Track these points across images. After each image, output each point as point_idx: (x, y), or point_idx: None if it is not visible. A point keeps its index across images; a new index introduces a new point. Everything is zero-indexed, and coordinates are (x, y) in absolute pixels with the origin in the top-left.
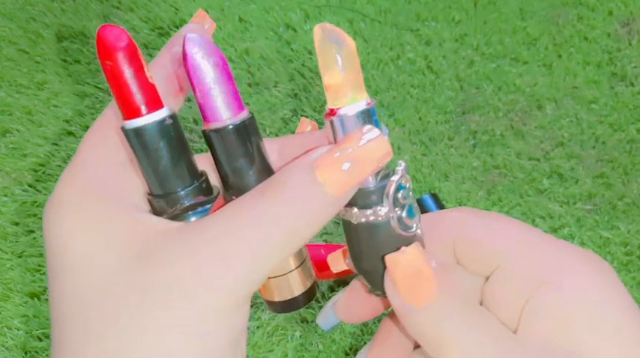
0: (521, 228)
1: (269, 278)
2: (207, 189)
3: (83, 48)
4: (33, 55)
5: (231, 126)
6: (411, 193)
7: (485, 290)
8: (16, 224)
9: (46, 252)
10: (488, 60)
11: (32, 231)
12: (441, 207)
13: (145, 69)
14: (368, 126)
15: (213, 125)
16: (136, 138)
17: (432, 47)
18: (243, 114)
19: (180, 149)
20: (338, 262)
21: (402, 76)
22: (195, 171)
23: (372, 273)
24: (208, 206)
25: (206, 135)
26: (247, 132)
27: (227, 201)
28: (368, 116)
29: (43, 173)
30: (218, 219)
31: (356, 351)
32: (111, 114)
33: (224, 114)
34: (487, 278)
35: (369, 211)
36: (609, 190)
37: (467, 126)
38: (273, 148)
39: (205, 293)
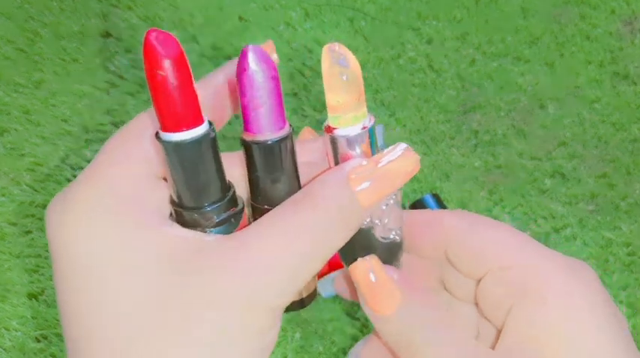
0: (509, 234)
1: None
2: (235, 201)
3: (81, 47)
4: (31, 54)
5: (273, 141)
6: (392, 203)
7: (477, 294)
8: (14, 224)
9: (60, 263)
10: (490, 59)
11: (30, 232)
12: (442, 207)
13: (193, 81)
14: (398, 144)
15: (258, 137)
16: (175, 152)
17: (434, 46)
18: (286, 130)
19: (217, 164)
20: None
21: (403, 74)
22: (226, 184)
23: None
24: (239, 217)
25: (247, 145)
26: (287, 147)
27: (255, 209)
28: (368, 136)
29: (41, 173)
30: (257, 232)
31: None
32: (141, 122)
33: (269, 128)
34: (477, 282)
35: None
36: (612, 190)
37: (468, 125)
38: None
39: (246, 308)
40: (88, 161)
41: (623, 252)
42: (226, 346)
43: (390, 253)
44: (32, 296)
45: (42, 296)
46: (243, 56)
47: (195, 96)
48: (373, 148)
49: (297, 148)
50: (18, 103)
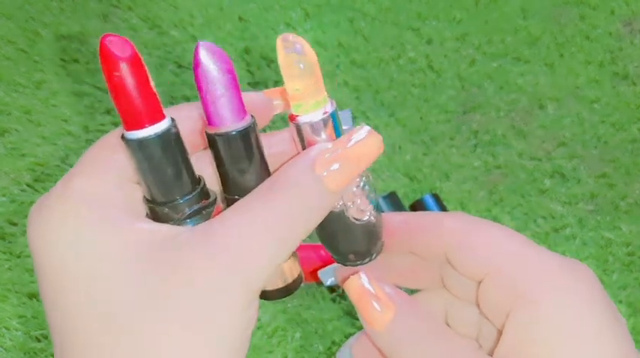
0: (507, 236)
1: None
2: (206, 193)
3: (82, 47)
4: (31, 54)
5: (235, 132)
6: (362, 184)
7: (478, 296)
8: (15, 224)
9: (38, 270)
10: (490, 59)
11: None
12: (442, 207)
13: (150, 79)
14: (361, 126)
15: (220, 129)
16: (139, 149)
17: (433, 46)
18: (247, 120)
19: (183, 157)
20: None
21: (403, 75)
22: (194, 177)
23: (350, 250)
24: (210, 209)
25: (210, 138)
26: (250, 136)
27: (228, 201)
28: (334, 118)
29: (42, 173)
30: (226, 220)
31: None
32: (116, 134)
33: (230, 120)
34: (478, 284)
35: None
36: (611, 190)
37: (468, 125)
38: None
39: (219, 293)
40: None
41: (623, 252)
42: (204, 328)
43: (369, 234)
44: (32, 296)
45: None
46: (195, 52)
47: (154, 94)
48: (338, 132)
49: (268, 139)
50: (18, 103)
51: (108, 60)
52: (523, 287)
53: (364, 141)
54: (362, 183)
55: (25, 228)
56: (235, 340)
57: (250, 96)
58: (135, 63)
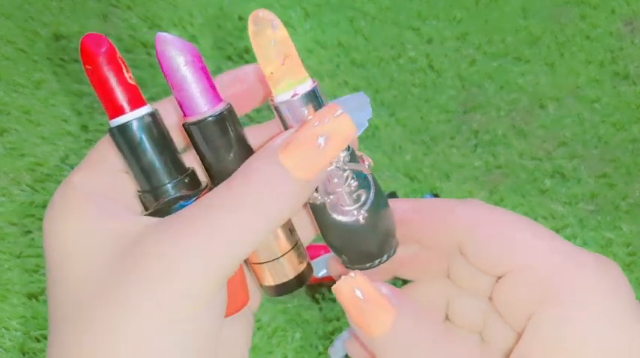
0: (532, 229)
1: (261, 263)
2: (193, 184)
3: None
4: (31, 54)
5: (209, 118)
6: (346, 177)
7: (495, 291)
8: (14, 224)
9: (47, 257)
10: (490, 59)
11: (30, 232)
12: None
13: (124, 70)
14: (329, 107)
15: (192, 118)
16: (120, 135)
17: (434, 46)
18: (221, 106)
19: (163, 144)
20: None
21: (403, 74)
22: (180, 166)
23: (339, 249)
24: (193, 199)
25: (185, 129)
26: (225, 122)
27: None
28: (313, 97)
29: (41, 173)
30: (193, 209)
31: None
32: None
33: (202, 106)
34: (497, 279)
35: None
36: (612, 190)
37: (468, 125)
38: None
39: (181, 279)
40: None
41: (624, 252)
42: (163, 321)
43: (356, 237)
44: (32, 296)
45: (42, 296)
46: (156, 48)
47: (128, 84)
48: None
49: (256, 130)
50: (18, 103)
51: (83, 54)
52: (553, 286)
53: (331, 124)
54: (345, 176)
55: (25, 227)
56: (196, 328)
57: (245, 70)
58: (108, 55)
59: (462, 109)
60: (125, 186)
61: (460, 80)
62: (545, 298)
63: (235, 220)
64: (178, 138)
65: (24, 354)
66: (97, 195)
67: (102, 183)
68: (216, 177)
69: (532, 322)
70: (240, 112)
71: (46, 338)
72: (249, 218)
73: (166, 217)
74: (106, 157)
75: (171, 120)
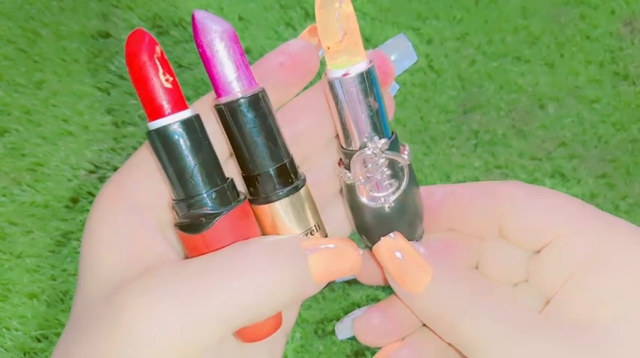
0: (576, 203)
1: None
2: (230, 194)
3: (82, 47)
4: (31, 54)
5: (241, 99)
6: (383, 169)
7: (531, 264)
8: (15, 224)
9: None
10: (490, 59)
11: (31, 232)
12: None
13: (165, 71)
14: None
15: (224, 99)
16: (157, 139)
17: (434, 46)
18: (256, 88)
19: (201, 151)
20: None
21: (403, 74)
22: (218, 175)
23: (361, 229)
24: (221, 216)
25: (219, 111)
26: (257, 105)
27: (247, 179)
28: (365, 79)
29: (42, 173)
30: (194, 271)
31: (357, 353)
32: None
33: (235, 88)
34: (536, 253)
35: (346, 172)
36: (612, 190)
37: (468, 125)
38: None
39: (144, 346)
40: (89, 161)
41: None
42: None
43: (380, 222)
44: (33, 296)
45: (42, 296)
46: (195, 25)
47: (165, 88)
48: (377, 94)
49: (292, 113)
50: (18, 103)
51: (127, 53)
52: (594, 249)
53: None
54: (380, 164)
55: (26, 227)
56: None
57: (289, 45)
58: (150, 54)
59: (461, 109)
60: (161, 192)
61: (460, 80)
62: (588, 260)
63: (235, 302)
64: (221, 146)
65: (24, 354)
66: (135, 209)
67: (141, 196)
68: (245, 162)
69: (573, 280)
70: (290, 84)
71: (46, 337)
72: (255, 301)
73: (171, 267)
74: (146, 164)
75: (213, 127)
